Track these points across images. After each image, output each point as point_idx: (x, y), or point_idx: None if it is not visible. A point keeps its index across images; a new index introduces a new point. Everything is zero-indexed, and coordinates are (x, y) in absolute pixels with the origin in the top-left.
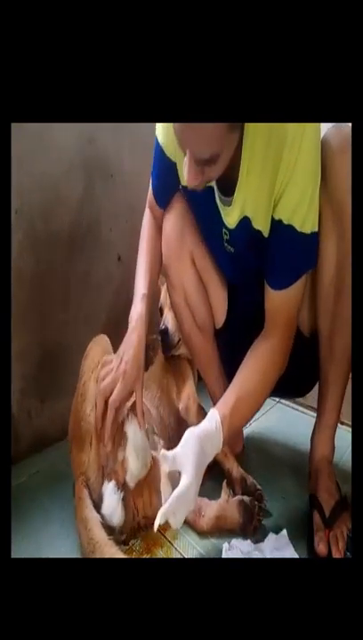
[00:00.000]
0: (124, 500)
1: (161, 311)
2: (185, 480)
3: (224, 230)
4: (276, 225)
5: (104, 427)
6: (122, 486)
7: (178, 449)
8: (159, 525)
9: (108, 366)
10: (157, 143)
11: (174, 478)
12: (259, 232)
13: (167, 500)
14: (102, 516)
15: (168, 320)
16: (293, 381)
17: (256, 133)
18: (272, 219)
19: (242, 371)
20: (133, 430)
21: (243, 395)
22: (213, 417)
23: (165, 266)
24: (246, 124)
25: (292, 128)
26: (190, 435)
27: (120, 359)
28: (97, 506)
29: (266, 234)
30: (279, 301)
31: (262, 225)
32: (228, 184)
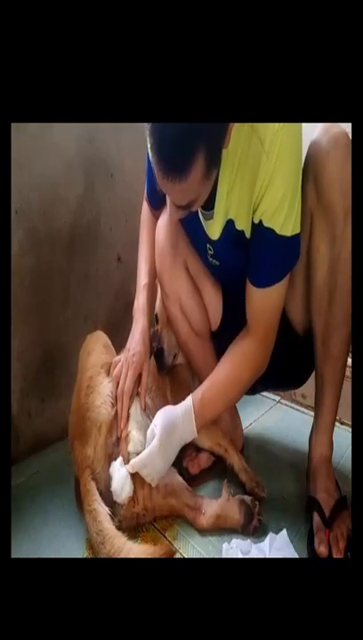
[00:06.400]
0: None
1: (157, 319)
2: (152, 443)
3: (208, 245)
4: (256, 227)
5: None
6: (128, 461)
7: (150, 426)
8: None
9: (119, 364)
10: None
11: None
12: (242, 232)
13: (139, 456)
14: (112, 494)
15: (163, 339)
16: (288, 375)
17: (236, 146)
18: (252, 221)
19: (220, 363)
20: (134, 409)
21: (214, 385)
22: (188, 400)
23: (158, 276)
24: (223, 151)
25: (269, 135)
26: (165, 409)
27: (128, 351)
28: (104, 497)
29: (248, 234)
30: (261, 300)
31: (244, 225)
32: (208, 199)
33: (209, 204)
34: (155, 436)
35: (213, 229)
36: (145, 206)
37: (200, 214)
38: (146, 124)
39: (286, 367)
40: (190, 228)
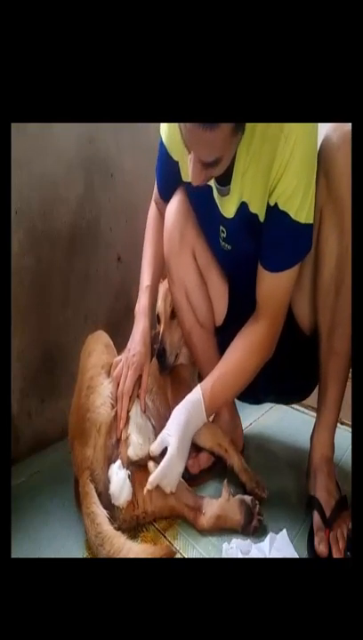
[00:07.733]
0: (130, 477)
1: (158, 319)
2: (169, 452)
3: (221, 228)
4: (271, 210)
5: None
6: (127, 464)
7: (163, 431)
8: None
9: (119, 365)
10: (162, 142)
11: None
12: (256, 216)
13: (156, 470)
14: (110, 496)
15: (165, 339)
16: (294, 385)
17: (254, 126)
18: (268, 204)
19: (227, 351)
20: (134, 411)
21: (223, 372)
22: (197, 390)
23: (166, 261)
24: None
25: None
26: (175, 412)
27: (128, 351)
28: (103, 499)
29: (262, 218)
30: (271, 284)
31: (258, 209)
32: (224, 174)
33: (225, 179)
34: (168, 444)
35: (228, 207)
36: (152, 208)
37: (215, 192)
38: None
39: (292, 371)
40: (203, 210)
